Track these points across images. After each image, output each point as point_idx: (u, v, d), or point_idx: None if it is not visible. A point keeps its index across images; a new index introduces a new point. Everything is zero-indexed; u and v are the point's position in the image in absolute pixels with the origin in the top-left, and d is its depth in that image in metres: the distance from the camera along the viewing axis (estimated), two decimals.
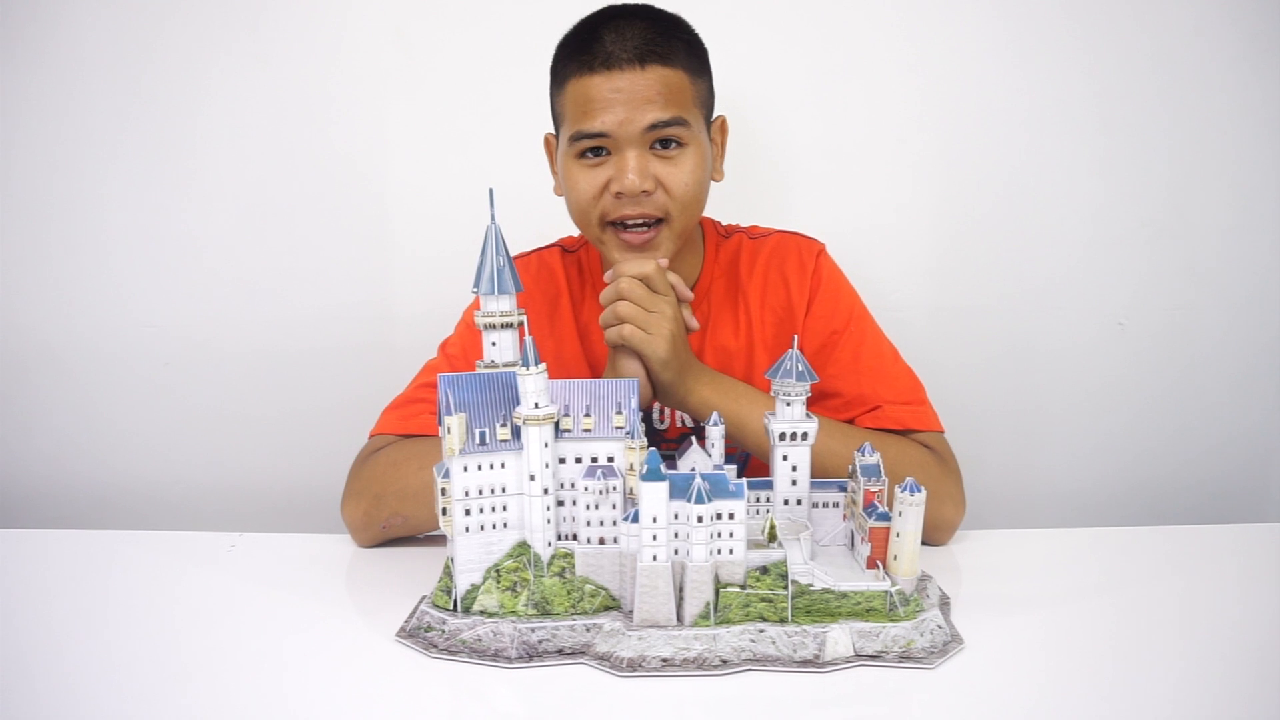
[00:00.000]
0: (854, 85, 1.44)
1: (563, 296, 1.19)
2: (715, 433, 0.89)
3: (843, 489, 0.90)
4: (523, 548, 0.82)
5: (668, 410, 1.17)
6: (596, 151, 1.02)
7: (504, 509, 0.82)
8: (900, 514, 0.81)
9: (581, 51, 1.00)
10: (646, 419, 1.17)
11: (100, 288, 1.52)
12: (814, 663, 0.77)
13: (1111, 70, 1.43)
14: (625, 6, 1.04)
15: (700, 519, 0.77)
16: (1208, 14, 1.41)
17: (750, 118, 1.36)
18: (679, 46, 1.02)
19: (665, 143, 1.01)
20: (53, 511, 1.57)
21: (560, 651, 0.79)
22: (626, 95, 0.98)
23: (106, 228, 1.49)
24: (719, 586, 0.79)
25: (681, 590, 0.79)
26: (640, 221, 1.03)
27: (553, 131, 1.11)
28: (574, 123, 1.01)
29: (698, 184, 1.03)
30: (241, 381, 1.54)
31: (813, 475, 0.88)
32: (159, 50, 1.44)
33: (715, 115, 1.11)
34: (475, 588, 0.82)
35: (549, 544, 0.82)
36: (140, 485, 1.58)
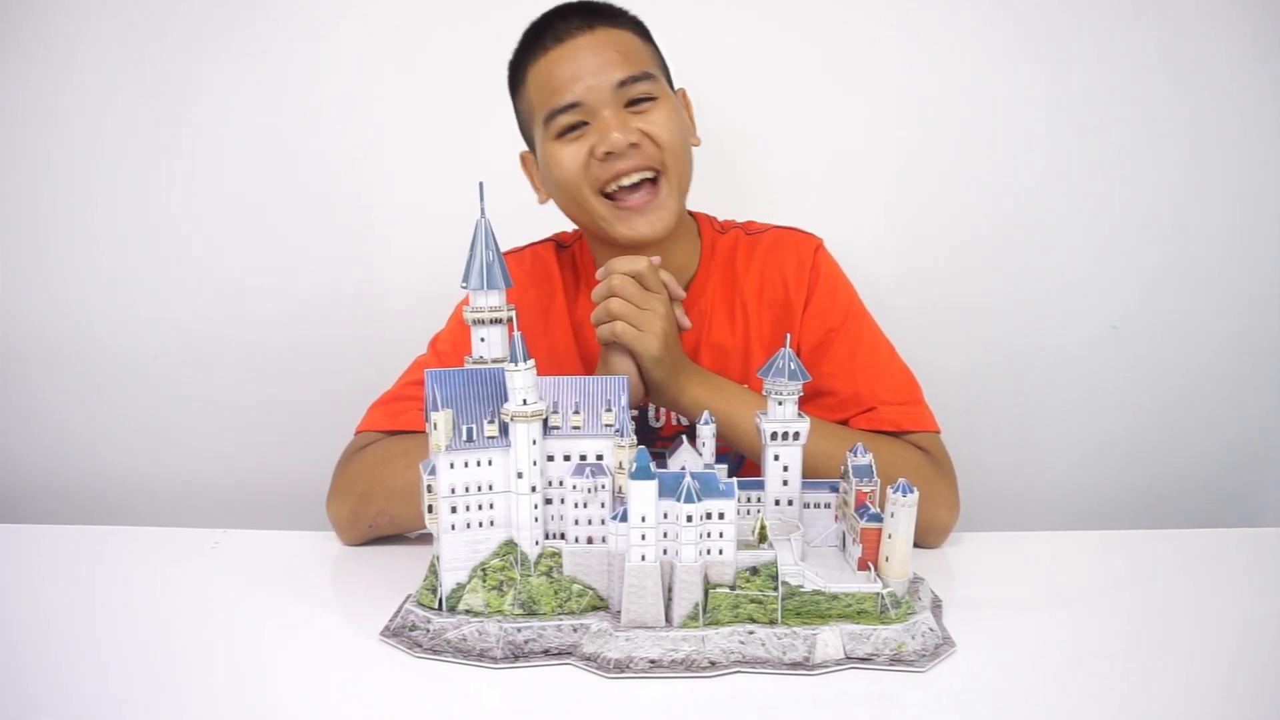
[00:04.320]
0: (851, 83, 1.43)
1: (557, 292, 1.18)
2: (706, 431, 0.88)
3: (834, 490, 0.89)
4: (509, 546, 0.81)
5: (663, 409, 1.16)
6: (575, 128, 1.02)
7: (491, 507, 0.81)
8: (892, 515, 0.80)
9: (531, 42, 1.04)
10: (641, 417, 1.16)
11: (90, 281, 1.51)
12: (804, 665, 0.76)
13: (1111, 72, 1.42)
14: (568, 5, 1.06)
15: (689, 518, 0.76)
16: (1209, 16, 1.40)
17: (746, 115, 1.36)
18: (623, 18, 1.05)
19: (638, 101, 1.01)
20: (40, 506, 1.56)
21: (546, 652, 0.78)
22: (588, 60, 0.99)
23: (98, 221, 1.49)
24: (708, 587, 0.78)
25: (670, 591, 0.78)
26: (636, 179, 1.01)
27: (525, 149, 1.12)
28: (543, 105, 1.02)
29: (680, 130, 1.03)
30: (231, 376, 1.53)
31: (805, 476, 0.87)
32: (153, 45, 1.43)
33: (676, 89, 1.11)
34: (461, 586, 0.80)
35: (536, 543, 0.81)
36: (129, 480, 1.57)
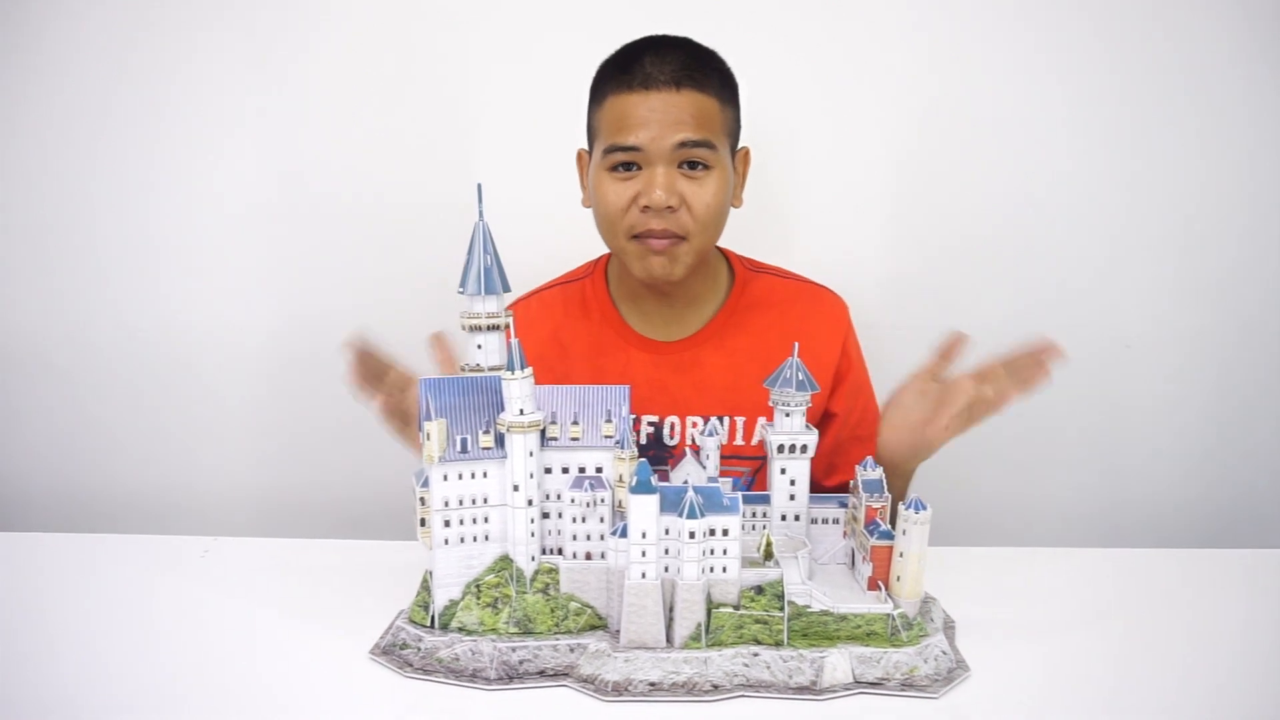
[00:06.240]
0: (859, 99, 1.42)
1: (560, 331, 1.20)
2: (710, 443, 0.85)
3: (843, 504, 0.86)
4: (505, 562, 0.79)
5: (677, 427, 1.16)
6: (628, 166, 1.05)
7: (485, 520, 0.78)
8: (904, 532, 0.78)
9: (622, 71, 1.05)
10: (656, 433, 1.16)
11: (89, 291, 1.50)
12: (810, 689, 0.74)
13: (1123, 88, 1.40)
14: (666, 36, 1.08)
15: (692, 535, 0.74)
16: (1223, 28, 1.38)
17: (755, 134, 1.34)
18: (713, 76, 1.06)
19: (693, 164, 1.05)
20: (35, 515, 1.55)
21: (542, 673, 0.76)
22: (660, 114, 1.02)
23: (97, 231, 1.48)
24: (711, 606, 0.76)
25: (671, 610, 0.76)
26: (663, 235, 1.07)
27: (584, 147, 1.14)
28: (609, 136, 1.05)
29: (719, 206, 1.08)
30: (224, 384, 1.51)
31: None
32: (153, 52, 1.42)
33: (740, 146, 1.14)
34: (454, 603, 0.78)
35: (532, 558, 0.79)
36: (123, 489, 1.55)
